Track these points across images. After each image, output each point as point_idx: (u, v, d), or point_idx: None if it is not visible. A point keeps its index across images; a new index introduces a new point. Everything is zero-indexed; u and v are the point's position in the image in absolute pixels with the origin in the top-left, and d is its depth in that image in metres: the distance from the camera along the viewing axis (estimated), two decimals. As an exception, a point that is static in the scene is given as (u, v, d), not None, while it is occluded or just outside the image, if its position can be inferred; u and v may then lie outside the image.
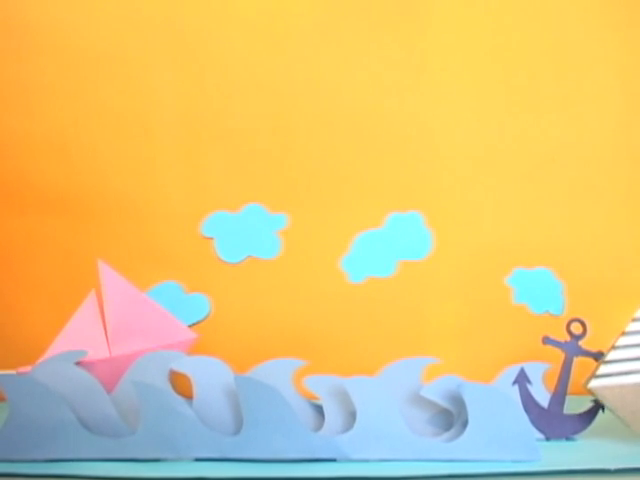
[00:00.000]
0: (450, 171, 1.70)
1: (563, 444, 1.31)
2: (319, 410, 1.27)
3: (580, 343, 1.36)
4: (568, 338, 1.36)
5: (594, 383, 1.31)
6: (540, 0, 1.73)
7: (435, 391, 1.24)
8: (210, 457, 1.20)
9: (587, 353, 1.36)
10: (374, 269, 1.65)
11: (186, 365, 1.26)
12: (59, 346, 1.39)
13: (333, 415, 1.24)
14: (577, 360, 1.36)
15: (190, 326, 1.45)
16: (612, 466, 1.14)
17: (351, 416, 1.22)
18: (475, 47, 1.71)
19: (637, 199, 1.72)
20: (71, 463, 1.20)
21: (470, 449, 1.19)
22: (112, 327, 1.39)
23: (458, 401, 1.22)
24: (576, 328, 1.36)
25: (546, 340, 1.35)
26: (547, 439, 1.32)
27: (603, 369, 1.31)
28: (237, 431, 1.21)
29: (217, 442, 1.20)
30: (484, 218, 1.70)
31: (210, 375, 1.24)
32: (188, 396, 1.24)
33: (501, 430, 1.19)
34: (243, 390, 1.20)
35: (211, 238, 1.66)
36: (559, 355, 1.36)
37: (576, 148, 1.72)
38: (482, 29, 1.71)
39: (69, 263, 1.70)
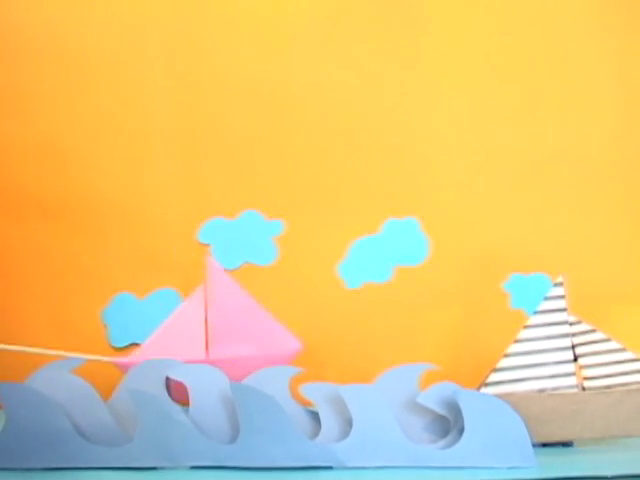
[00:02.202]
0: (447, 177, 1.70)
1: (560, 451, 1.30)
2: (316, 417, 1.26)
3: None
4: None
5: (483, 391, 1.28)
6: (538, 3, 1.73)
7: (431, 398, 1.24)
8: (206, 465, 1.20)
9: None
10: (371, 275, 1.65)
11: (182, 373, 1.26)
12: (156, 342, 1.33)
13: (329, 423, 1.24)
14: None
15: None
16: (609, 473, 1.14)
17: (347, 423, 1.22)
18: (471, 52, 1.71)
19: (635, 204, 1.72)
20: (68, 471, 1.20)
21: (466, 456, 1.19)
22: (213, 329, 1.34)
23: (454, 408, 1.22)
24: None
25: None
26: (543, 445, 1.31)
27: (493, 377, 1.29)
28: (233, 439, 1.21)
29: (213, 450, 1.20)
30: (481, 223, 1.70)
31: (206, 383, 1.24)
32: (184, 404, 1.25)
33: (497, 437, 1.19)
34: (239, 398, 1.19)
35: (208, 245, 1.66)
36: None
37: (573, 153, 1.72)
38: (478, 35, 1.71)
39: (66, 270, 1.70)
